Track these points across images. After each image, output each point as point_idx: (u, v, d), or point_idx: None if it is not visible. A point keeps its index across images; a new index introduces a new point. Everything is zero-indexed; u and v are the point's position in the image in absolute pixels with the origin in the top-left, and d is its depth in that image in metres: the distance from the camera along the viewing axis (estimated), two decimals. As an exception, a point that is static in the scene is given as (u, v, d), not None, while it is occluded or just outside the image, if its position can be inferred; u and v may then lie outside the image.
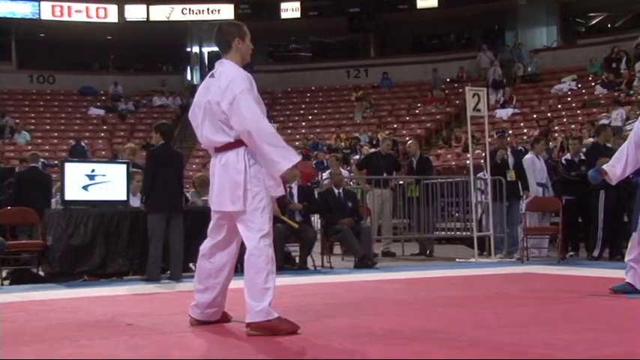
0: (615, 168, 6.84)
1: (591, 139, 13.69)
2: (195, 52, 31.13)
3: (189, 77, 31.04)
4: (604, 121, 17.27)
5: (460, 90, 22.49)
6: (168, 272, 8.91)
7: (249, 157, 4.91)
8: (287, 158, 4.83)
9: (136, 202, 9.44)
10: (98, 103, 28.42)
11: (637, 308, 6.07)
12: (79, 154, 22.38)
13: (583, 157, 11.82)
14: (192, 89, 29.53)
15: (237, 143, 4.90)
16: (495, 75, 25.73)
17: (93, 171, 9.27)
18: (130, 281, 8.79)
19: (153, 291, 7.80)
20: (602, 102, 21.80)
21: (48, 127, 27.21)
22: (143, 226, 8.91)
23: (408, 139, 19.70)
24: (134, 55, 30.18)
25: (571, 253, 11.89)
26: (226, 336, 4.94)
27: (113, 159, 16.74)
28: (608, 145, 11.43)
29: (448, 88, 26.92)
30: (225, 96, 4.81)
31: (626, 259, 6.83)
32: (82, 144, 23.62)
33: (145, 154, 10.26)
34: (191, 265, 9.15)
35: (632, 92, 20.93)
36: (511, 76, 26.00)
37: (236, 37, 5.05)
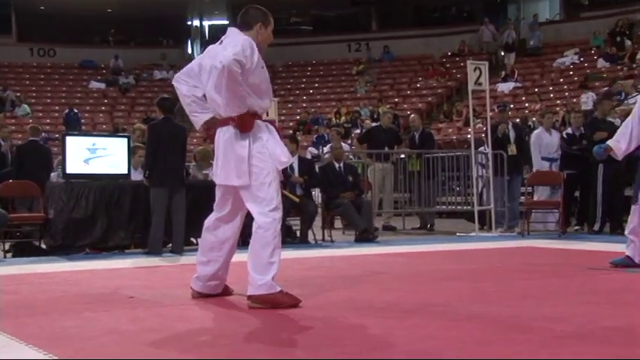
0: (620, 143, 6.84)
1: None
2: (196, 26, 30.90)
3: (189, 51, 30.83)
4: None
5: (461, 64, 22.37)
6: (170, 245, 8.92)
7: (254, 131, 4.94)
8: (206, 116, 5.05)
9: (137, 176, 9.42)
10: (99, 77, 28.26)
11: (636, 282, 6.08)
12: (73, 122, 22.32)
13: (584, 132, 11.81)
14: (193, 62, 29.50)
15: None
16: (509, 38, 25.71)
17: (94, 144, 9.25)
18: (131, 254, 8.79)
19: (155, 264, 7.81)
20: (605, 76, 21.66)
21: (49, 100, 27.07)
22: (145, 200, 8.90)
23: (409, 113, 19.67)
24: (135, 28, 29.88)
25: (576, 227, 11.87)
26: (228, 308, 4.97)
27: (114, 132, 16.75)
28: (608, 118, 11.40)
29: (449, 62, 26.78)
30: (220, 57, 4.78)
31: (626, 232, 6.85)
32: (75, 111, 23.52)
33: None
34: (192, 239, 9.22)
35: (634, 66, 20.81)
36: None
37: (259, 22, 5.05)
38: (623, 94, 17.79)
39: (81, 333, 4.20)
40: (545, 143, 12.19)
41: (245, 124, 4.94)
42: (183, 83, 5.16)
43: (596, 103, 11.97)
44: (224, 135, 5.00)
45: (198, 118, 5.14)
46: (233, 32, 5.03)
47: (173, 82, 5.29)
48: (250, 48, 4.84)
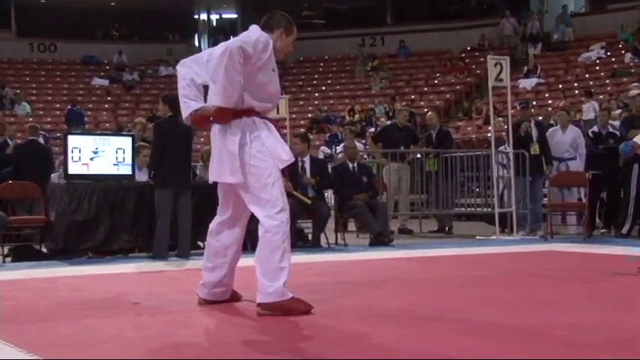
0: None
1: (619, 111, 13.30)
2: (203, 20, 30.77)
3: (196, 45, 30.64)
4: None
5: (481, 59, 22.02)
6: (176, 250, 8.77)
7: (251, 128, 4.80)
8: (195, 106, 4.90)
9: (142, 176, 9.33)
10: (102, 73, 28.00)
11: None
12: (76, 118, 22.06)
13: (611, 130, 11.50)
14: (201, 59, 29.26)
15: (239, 112, 4.81)
16: (533, 29, 25.43)
17: (97, 144, 9.10)
18: (135, 258, 8.80)
19: (160, 269, 7.76)
20: (633, 71, 21.23)
21: (49, 97, 26.77)
22: (149, 202, 8.80)
23: (426, 110, 19.37)
24: (139, 22, 29.65)
25: (602, 231, 11.63)
26: (235, 315, 4.92)
27: (118, 131, 16.58)
28: None
29: (469, 57, 26.41)
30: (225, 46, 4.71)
31: None
32: (78, 107, 23.28)
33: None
34: (199, 242, 9.10)
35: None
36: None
37: (282, 28, 4.99)
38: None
39: (82, 340, 4.16)
40: (554, 142, 11.96)
41: (222, 116, 4.79)
42: (186, 67, 5.05)
43: (634, 99, 11.60)
44: (218, 130, 4.89)
45: (187, 105, 4.97)
46: (253, 28, 4.94)
47: (177, 66, 5.17)
48: (264, 44, 4.78)
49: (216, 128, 4.91)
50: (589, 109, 18.19)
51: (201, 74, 4.97)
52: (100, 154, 8.98)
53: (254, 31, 4.86)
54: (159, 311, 5.06)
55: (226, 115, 4.77)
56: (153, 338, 4.16)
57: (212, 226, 5.11)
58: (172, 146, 8.60)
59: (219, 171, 4.89)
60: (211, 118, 4.82)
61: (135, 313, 4.93)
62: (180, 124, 8.88)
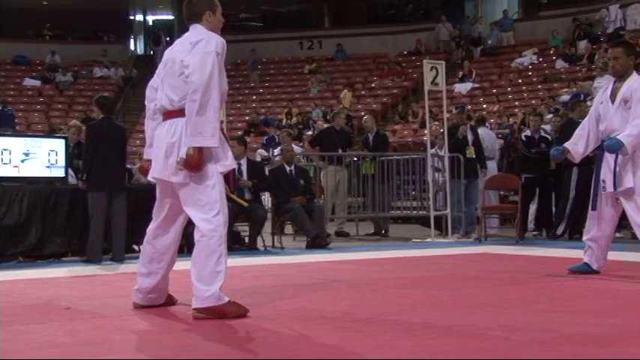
0: (577, 146, 6.72)
1: (550, 115, 13.53)
2: (139, 21, 30.37)
3: (132, 47, 30.28)
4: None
5: (418, 63, 22.20)
6: (110, 253, 8.68)
7: None
8: (202, 136, 4.58)
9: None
10: (34, 74, 27.42)
11: (594, 289, 6.03)
12: (6, 119, 21.55)
13: (543, 134, 11.66)
14: (136, 60, 28.86)
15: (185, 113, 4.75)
16: (475, 33, 26.02)
17: (28, 145, 8.94)
18: (68, 263, 8.58)
19: (93, 273, 7.60)
20: (564, 77, 21.66)
21: (-21, 98, 26.16)
22: (83, 205, 8.66)
23: (363, 114, 19.41)
24: (73, 22, 29.09)
25: (534, 233, 11.82)
26: (171, 319, 4.83)
27: (50, 133, 16.22)
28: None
29: (405, 61, 26.62)
30: (194, 51, 4.69)
31: (584, 238, 6.77)
32: (9, 108, 22.74)
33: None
34: (134, 245, 9.04)
35: (593, 67, 20.79)
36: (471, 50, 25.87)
37: (207, 10, 4.95)
38: (582, 95, 17.69)
39: (11, 347, 4.01)
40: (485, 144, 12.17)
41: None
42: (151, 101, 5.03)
43: (573, 104, 11.77)
44: (168, 128, 4.79)
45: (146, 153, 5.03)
46: (197, 28, 4.91)
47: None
48: (223, 49, 4.78)
49: (162, 125, 4.85)
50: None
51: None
52: (31, 156, 8.82)
53: (201, 30, 4.86)
54: (92, 316, 4.93)
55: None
56: (86, 344, 4.06)
57: (149, 230, 5.05)
58: (106, 148, 8.50)
59: (164, 169, 4.80)
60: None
61: (67, 319, 4.80)
62: (113, 125, 8.90)
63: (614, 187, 6.38)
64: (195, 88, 4.58)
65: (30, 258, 8.67)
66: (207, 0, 4.97)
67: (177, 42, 4.96)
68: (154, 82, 5.02)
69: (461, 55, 25.63)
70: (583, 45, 22.83)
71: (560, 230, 11.03)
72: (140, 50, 29.78)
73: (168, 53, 4.93)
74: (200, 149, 4.57)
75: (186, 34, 4.94)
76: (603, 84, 17.02)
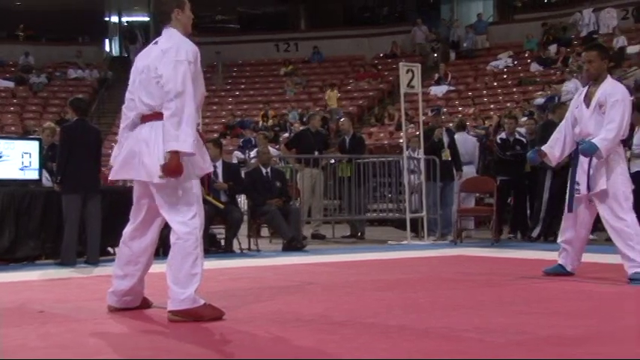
0: (554, 149, 6.75)
1: (525, 118, 13.60)
2: (114, 22, 30.19)
3: (107, 49, 30.08)
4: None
5: (394, 66, 22.24)
6: (85, 256, 8.59)
7: None
8: (177, 140, 4.56)
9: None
10: (7, 75, 27.10)
11: (568, 291, 6.07)
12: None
13: (518, 137, 11.72)
14: (111, 61, 28.67)
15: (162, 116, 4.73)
16: (455, 36, 26.24)
17: (2, 147, 8.89)
18: (42, 266, 8.52)
19: (67, 276, 7.53)
20: (538, 80, 21.81)
21: (-49, 100, 25.83)
22: (57, 207, 8.58)
23: (338, 117, 19.40)
24: (47, 23, 28.76)
25: (509, 235, 11.87)
26: (146, 322, 4.80)
27: (24, 135, 16.13)
28: None
29: (381, 63, 26.67)
30: (166, 59, 4.69)
31: (559, 240, 6.80)
32: None
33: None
34: (109, 248, 8.96)
35: (567, 70, 20.96)
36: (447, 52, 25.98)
37: (175, 8, 4.94)
38: (557, 98, 17.83)
39: None
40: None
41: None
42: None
43: (554, 107, 11.82)
44: (146, 130, 4.77)
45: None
46: (169, 32, 4.90)
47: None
48: (196, 57, 4.76)
49: (140, 128, 4.82)
50: None
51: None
52: (4, 159, 8.77)
53: (174, 36, 4.83)
54: (66, 320, 4.90)
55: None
56: (59, 347, 4.00)
57: (125, 233, 5.02)
58: (81, 150, 8.43)
59: (145, 170, 4.76)
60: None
61: (40, 322, 4.72)
62: (88, 127, 8.84)
63: (588, 190, 6.43)
64: (169, 97, 4.60)
65: (3, 261, 8.56)
66: None
67: (150, 48, 4.94)
68: (130, 92, 5.01)
69: (437, 58, 25.72)
70: (553, 49, 23.02)
71: (535, 233, 11.08)
72: (115, 52, 29.55)
73: (142, 60, 4.91)
74: (177, 154, 4.56)
75: (159, 38, 4.92)
76: (571, 87, 17.25)
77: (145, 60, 4.87)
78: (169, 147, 4.56)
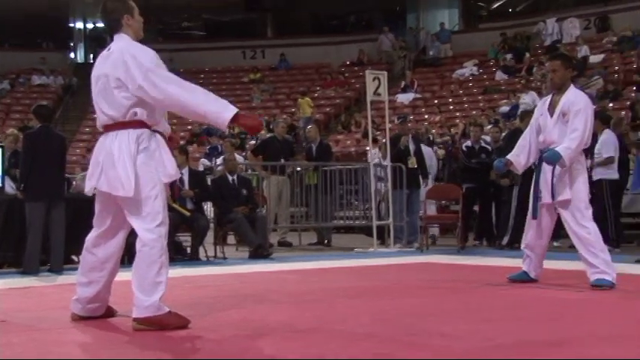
0: (520, 157, 6.80)
1: (490, 126, 13.69)
2: (79, 28, 29.93)
3: (72, 55, 29.79)
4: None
5: (360, 73, 22.30)
6: (48, 264, 8.54)
7: (141, 140, 4.70)
8: (227, 108, 4.59)
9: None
10: (-31, 81, 26.85)
11: (533, 297, 6.11)
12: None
13: (483, 145, 11.79)
14: (76, 68, 28.43)
15: (130, 124, 4.71)
16: (427, 42, 26.40)
17: None
18: (4, 274, 8.39)
19: (30, 284, 7.45)
20: (503, 88, 22.00)
21: None
22: (20, 215, 8.50)
23: (301, 123, 19.42)
24: (10, 28, 28.41)
25: (475, 242, 11.93)
26: (111, 331, 4.75)
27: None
28: None
29: (348, 71, 26.75)
30: (137, 70, 4.63)
31: (522, 246, 6.86)
32: None
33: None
34: (73, 256, 8.86)
35: (531, 78, 21.18)
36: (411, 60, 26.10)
37: (124, 14, 4.89)
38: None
39: None
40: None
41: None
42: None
43: (522, 114, 11.91)
44: (110, 141, 4.73)
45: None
46: (122, 39, 4.85)
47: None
48: (157, 60, 4.75)
49: (105, 137, 4.78)
50: None
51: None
52: (-35, 166, 8.66)
53: (128, 42, 4.79)
54: (28, 329, 4.81)
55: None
56: (22, 358, 3.97)
57: (89, 239, 4.94)
58: (44, 157, 8.36)
59: (107, 182, 4.71)
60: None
61: (2, 332, 4.65)
62: (52, 134, 8.77)
63: (552, 198, 6.49)
64: (174, 96, 4.65)
65: (-36, 270, 8.47)
66: (121, 3, 4.91)
67: (104, 56, 4.87)
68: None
69: (403, 66, 25.85)
70: (508, 57, 23.31)
71: (505, 240, 11.12)
72: (80, 58, 29.30)
73: (99, 69, 4.84)
74: (237, 117, 4.58)
75: (111, 45, 4.87)
76: (528, 100, 17.42)
77: (100, 69, 4.81)
78: (229, 112, 4.55)
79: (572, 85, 6.67)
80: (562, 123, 6.49)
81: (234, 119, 4.56)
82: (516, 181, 10.36)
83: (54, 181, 8.47)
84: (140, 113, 4.70)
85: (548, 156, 6.44)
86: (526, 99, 17.99)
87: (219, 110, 4.57)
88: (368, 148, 13.08)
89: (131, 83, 4.62)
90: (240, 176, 11.20)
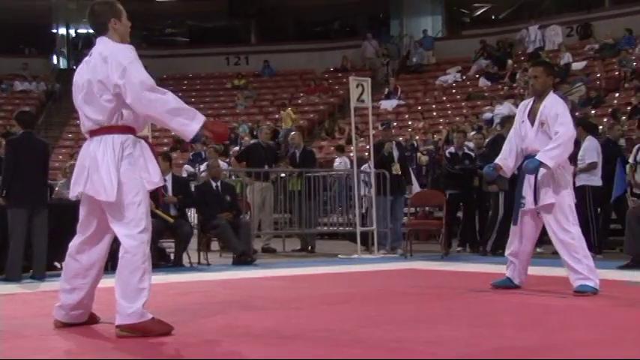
0: (507, 161, 6.80)
1: (473, 133, 13.74)
2: (62, 34, 29.79)
3: (55, 61, 29.64)
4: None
5: (344, 80, 22.34)
6: (31, 271, 8.48)
7: (125, 145, 4.69)
8: (194, 119, 4.66)
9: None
10: (-49, 87, 26.65)
11: (516, 304, 6.13)
12: None
13: (467, 151, 11.82)
14: (59, 74, 28.29)
15: (115, 128, 4.72)
16: (406, 51, 26.59)
17: None
18: None
19: (13, 291, 7.43)
20: (486, 95, 22.11)
21: None
22: (2, 222, 8.42)
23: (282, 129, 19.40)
24: (-8, 34, 28.38)
25: (458, 249, 11.94)
26: (94, 338, 4.75)
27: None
28: None
29: (332, 77, 26.79)
30: (114, 70, 4.62)
31: (506, 253, 6.86)
32: None
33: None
34: (56, 263, 8.83)
35: (515, 85, 21.28)
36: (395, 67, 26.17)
37: (111, 18, 4.87)
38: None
39: None
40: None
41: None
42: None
43: (503, 120, 11.94)
44: (94, 146, 4.72)
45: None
46: (104, 42, 4.83)
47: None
48: (134, 52, 4.76)
49: (89, 142, 4.77)
50: None
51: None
52: (-53, 172, 8.54)
53: (108, 43, 4.78)
54: (12, 336, 4.80)
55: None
56: (5, 365, 3.99)
57: (72, 246, 4.92)
58: (27, 163, 8.32)
59: (91, 187, 4.70)
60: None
61: (-15, 339, 4.70)
62: (34, 140, 8.73)
63: (535, 203, 6.51)
64: (145, 98, 4.61)
65: (-55, 278, 8.38)
66: (109, 7, 4.90)
67: (85, 62, 4.85)
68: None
69: (386, 72, 25.91)
70: (484, 64, 23.56)
71: (489, 246, 11.07)
72: (63, 64, 29.13)
73: (81, 75, 4.81)
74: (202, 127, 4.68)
75: (93, 50, 4.84)
76: (503, 111, 17.49)
77: (82, 75, 4.79)
78: (196, 122, 4.65)
79: (552, 93, 6.69)
80: (542, 132, 6.52)
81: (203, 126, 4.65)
82: (503, 187, 10.36)
83: (36, 187, 8.43)
84: (126, 115, 4.70)
85: (527, 168, 6.47)
86: (502, 109, 18.09)
87: (187, 122, 4.64)
88: (352, 155, 13.04)
89: (110, 83, 4.61)
90: (224, 182, 11.18)
